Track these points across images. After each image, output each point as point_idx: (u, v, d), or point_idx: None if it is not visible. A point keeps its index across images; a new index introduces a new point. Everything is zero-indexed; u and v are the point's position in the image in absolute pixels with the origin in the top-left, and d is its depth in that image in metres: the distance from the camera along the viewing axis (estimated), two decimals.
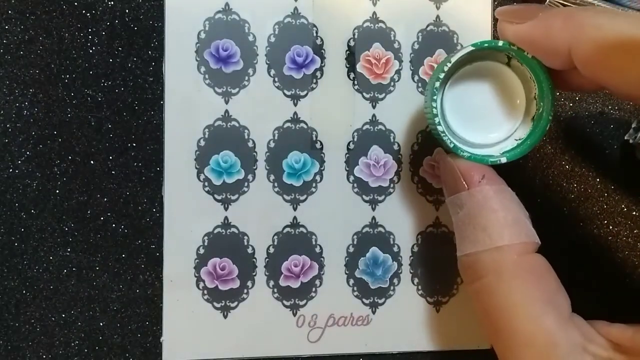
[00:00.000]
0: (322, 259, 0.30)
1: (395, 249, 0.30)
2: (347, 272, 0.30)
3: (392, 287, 0.30)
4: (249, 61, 0.29)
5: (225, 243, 0.29)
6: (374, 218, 0.30)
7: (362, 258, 0.30)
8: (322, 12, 0.30)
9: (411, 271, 0.30)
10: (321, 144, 0.30)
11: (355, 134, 0.30)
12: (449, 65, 0.24)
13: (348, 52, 0.30)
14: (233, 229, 0.29)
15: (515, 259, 0.22)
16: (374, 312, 0.30)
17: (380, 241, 0.30)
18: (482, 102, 0.25)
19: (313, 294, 0.30)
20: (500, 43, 0.23)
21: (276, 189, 0.29)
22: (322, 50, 0.30)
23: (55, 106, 0.28)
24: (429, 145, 0.30)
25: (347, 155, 0.30)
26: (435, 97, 0.24)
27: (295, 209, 0.29)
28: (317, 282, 0.30)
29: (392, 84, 0.30)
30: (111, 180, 0.29)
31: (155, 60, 0.29)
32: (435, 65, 0.31)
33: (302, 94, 0.29)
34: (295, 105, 0.29)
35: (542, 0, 0.31)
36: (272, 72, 0.29)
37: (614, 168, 0.32)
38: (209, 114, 0.29)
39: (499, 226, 0.23)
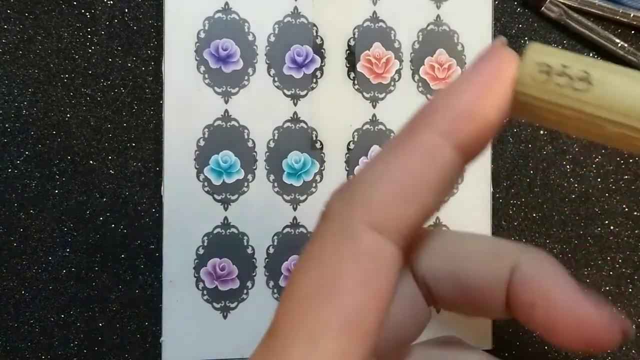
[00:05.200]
0: None
1: None
2: None
3: None
4: (249, 61, 0.29)
5: (225, 243, 0.29)
6: None
7: None
8: (322, 11, 0.29)
9: None
10: (321, 144, 0.30)
11: (355, 134, 0.30)
12: None
13: (348, 51, 0.30)
14: (233, 229, 0.29)
15: None
16: None
17: None
18: None
19: None
20: None
21: (276, 189, 0.29)
22: (322, 50, 0.29)
23: (55, 106, 0.28)
24: None
25: (347, 155, 0.30)
26: None
27: (295, 209, 0.29)
28: None
29: (392, 83, 0.30)
30: (110, 180, 0.28)
31: (155, 60, 0.29)
32: (436, 66, 0.31)
33: (302, 93, 0.29)
34: (295, 105, 0.29)
35: (543, 0, 0.31)
36: (272, 71, 0.29)
37: (614, 168, 0.32)
38: (208, 114, 0.29)
39: None
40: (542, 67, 0.17)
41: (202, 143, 0.29)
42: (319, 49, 0.29)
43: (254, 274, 0.29)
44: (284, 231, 0.29)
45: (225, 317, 0.29)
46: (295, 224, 0.29)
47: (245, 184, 0.29)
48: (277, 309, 0.15)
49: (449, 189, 0.16)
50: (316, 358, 0.14)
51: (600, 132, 0.18)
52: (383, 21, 0.30)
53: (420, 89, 0.30)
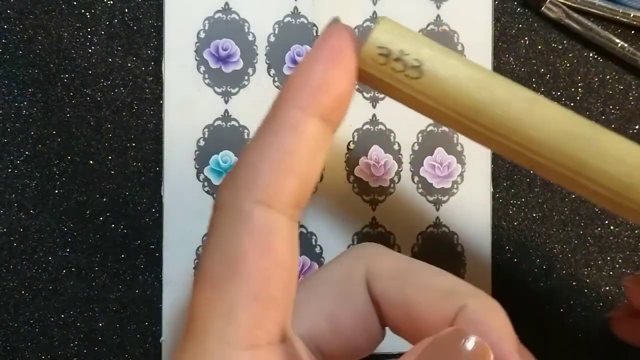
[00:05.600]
0: (322, 259, 0.30)
1: (395, 249, 0.30)
2: None
3: None
4: (249, 61, 0.29)
5: None
6: (374, 218, 0.30)
7: None
8: (322, 11, 0.29)
9: None
10: None
11: (355, 134, 0.30)
12: None
13: None
14: None
15: None
16: None
17: (380, 241, 0.30)
18: None
19: None
20: None
21: None
22: None
23: (55, 106, 0.28)
24: (429, 145, 0.30)
25: (347, 155, 0.30)
26: None
27: None
28: None
29: None
30: (110, 180, 0.28)
31: (155, 60, 0.29)
32: None
33: None
34: None
35: (543, 0, 0.31)
36: (272, 71, 0.29)
37: None
38: (208, 114, 0.29)
39: None
40: (382, 50, 0.18)
41: (202, 143, 0.29)
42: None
43: None
44: None
45: None
46: None
47: None
48: (192, 300, 0.16)
49: (321, 156, 0.18)
50: (232, 331, 0.15)
51: (429, 114, 0.20)
52: None
53: None
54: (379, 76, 0.19)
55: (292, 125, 0.17)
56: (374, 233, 0.30)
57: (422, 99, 0.19)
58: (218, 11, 0.29)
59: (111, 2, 0.28)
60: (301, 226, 0.29)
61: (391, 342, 0.30)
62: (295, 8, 0.29)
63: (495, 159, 0.31)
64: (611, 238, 0.32)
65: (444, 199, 0.31)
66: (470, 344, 0.16)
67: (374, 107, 0.30)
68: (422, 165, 0.30)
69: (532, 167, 0.20)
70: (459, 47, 0.31)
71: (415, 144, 0.30)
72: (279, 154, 0.16)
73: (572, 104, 0.32)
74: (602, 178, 0.19)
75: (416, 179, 0.30)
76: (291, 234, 0.17)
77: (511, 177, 0.31)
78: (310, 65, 0.17)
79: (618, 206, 0.20)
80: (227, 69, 0.29)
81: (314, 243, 0.29)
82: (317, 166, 0.17)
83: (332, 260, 0.23)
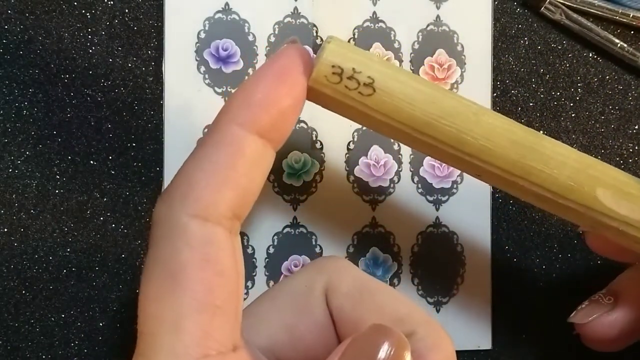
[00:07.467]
0: None
1: (395, 249, 0.30)
2: None
3: None
4: (249, 61, 0.29)
5: None
6: (374, 218, 0.30)
7: (362, 258, 0.30)
8: (322, 11, 0.30)
9: (411, 271, 0.30)
10: (321, 144, 0.30)
11: (355, 134, 0.30)
12: None
13: None
14: None
15: None
16: None
17: (380, 241, 0.30)
18: None
19: None
20: None
21: (276, 189, 0.29)
22: None
23: (55, 106, 0.28)
24: None
25: (347, 155, 0.30)
26: None
27: (295, 209, 0.29)
28: None
29: None
30: (111, 180, 0.28)
31: (155, 60, 0.29)
32: (436, 66, 0.31)
33: None
34: None
35: (543, 1, 0.31)
36: None
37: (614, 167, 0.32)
38: (208, 114, 0.29)
39: None
40: (335, 70, 0.19)
41: None
42: (319, 49, 0.29)
43: (254, 273, 0.29)
44: (284, 231, 0.29)
45: None
46: (295, 224, 0.29)
47: None
48: (138, 316, 0.16)
49: (261, 172, 0.18)
50: (181, 344, 0.15)
51: (381, 130, 0.20)
52: (383, 21, 0.30)
53: None
54: (333, 95, 0.19)
55: (230, 140, 0.17)
56: (373, 233, 0.30)
57: (375, 115, 0.19)
58: (218, 11, 0.29)
59: (111, 2, 0.28)
60: (301, 226, 0.29)
61: None
62: (295, 8, 0.29)
63: None
64: None
65: (444, 198, 0.31)
66: (389, 341, 0.16)
67: None
68: (422, 165, 0.30)
69: (479, 175, 0.21)
70: (459, 48, 0.31)
71: None
72: (215, 167, 0.17)
73: (571, 104, 0.32)
74: (546, 182, 0.20)
75: (416, 178, 0.30)
76: (231, 245, 0.17)
77: None
78: (254, 83, 0.17)
79: (560, 208, 0.21)
80: (228, 69, 0.29)
81: (314, 243, 0.29)
82: (257, 181, 0.18)
83: (296, 272, 0.23)
